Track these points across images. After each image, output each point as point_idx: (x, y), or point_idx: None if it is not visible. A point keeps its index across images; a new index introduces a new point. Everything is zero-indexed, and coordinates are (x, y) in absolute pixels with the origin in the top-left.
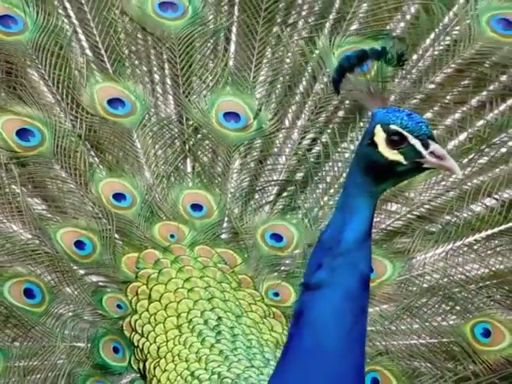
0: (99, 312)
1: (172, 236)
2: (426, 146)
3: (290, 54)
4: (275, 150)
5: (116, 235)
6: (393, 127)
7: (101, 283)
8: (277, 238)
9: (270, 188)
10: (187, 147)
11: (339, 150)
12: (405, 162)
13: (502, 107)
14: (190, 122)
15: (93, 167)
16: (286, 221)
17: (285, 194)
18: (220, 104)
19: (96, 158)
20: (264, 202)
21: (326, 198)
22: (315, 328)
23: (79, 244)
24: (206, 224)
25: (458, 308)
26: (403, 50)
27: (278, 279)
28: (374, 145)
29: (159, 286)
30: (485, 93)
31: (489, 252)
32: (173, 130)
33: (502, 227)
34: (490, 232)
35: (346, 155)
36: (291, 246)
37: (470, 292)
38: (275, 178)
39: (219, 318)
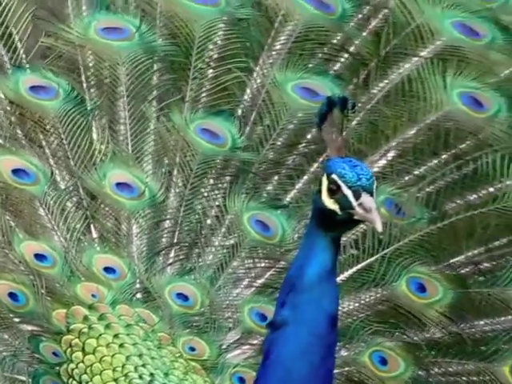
0: (37, 356)
1: (94, 295)
2: (357, 198)
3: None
4: (165, 215)
5: (44, 291)
6: (332, 176)
7: (35, 332)
8: (183, 297)
9: (168, 250)
10: (89, 214)
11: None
12: (339, 212)
13: None
14: (85, 193)
15: (11, 229)
16: (185, 281)
17: (180, 256)
18: (111, 176)
19: (11, 222)
20: (165, 264)
21: (210, 259)
22: (282, 366)
23: (13, 295)
24: (121, 285)
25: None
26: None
27: (190, 335)
28: (320, 193)
29: (91, 339)
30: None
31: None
32: (73, 199)
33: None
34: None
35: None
36: (197, 304)
37: (352, 324)
38: (167, 241)
39: (151, 374)
